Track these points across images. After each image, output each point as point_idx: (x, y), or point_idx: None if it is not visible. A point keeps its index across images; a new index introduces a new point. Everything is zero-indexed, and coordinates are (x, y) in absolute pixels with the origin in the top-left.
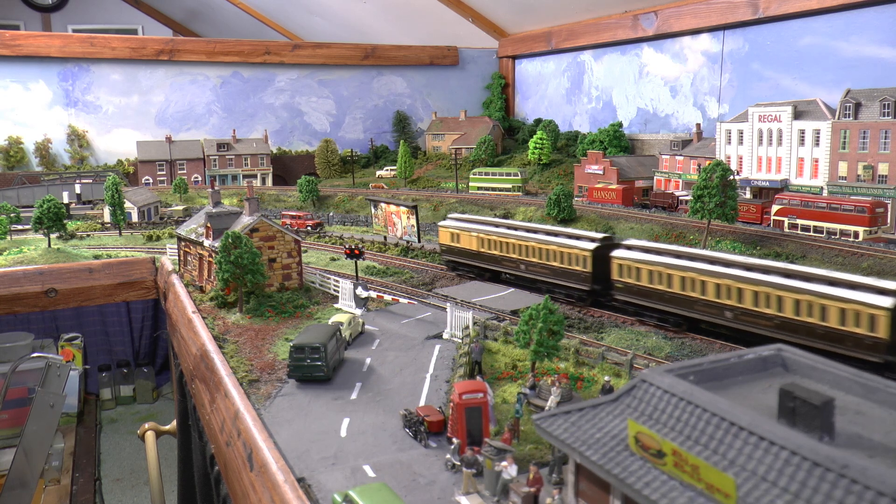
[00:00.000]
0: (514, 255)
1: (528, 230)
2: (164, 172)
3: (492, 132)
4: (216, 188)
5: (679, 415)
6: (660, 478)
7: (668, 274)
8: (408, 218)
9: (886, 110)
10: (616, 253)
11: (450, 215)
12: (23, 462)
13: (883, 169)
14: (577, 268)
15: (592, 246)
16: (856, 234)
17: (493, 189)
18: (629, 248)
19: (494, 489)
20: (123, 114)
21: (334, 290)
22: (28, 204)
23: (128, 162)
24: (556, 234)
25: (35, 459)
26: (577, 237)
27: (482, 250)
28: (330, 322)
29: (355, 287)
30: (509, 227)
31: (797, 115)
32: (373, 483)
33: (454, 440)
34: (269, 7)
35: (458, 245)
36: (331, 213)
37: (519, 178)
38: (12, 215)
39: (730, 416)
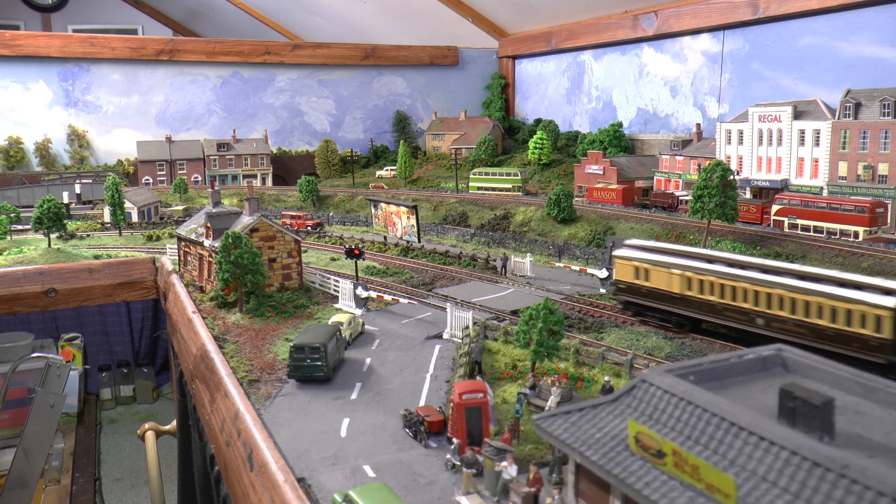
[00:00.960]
0: (744, 305)
1: (764, 269)
2: (164, 172)
3: (492, 132)
4: (216, 188)
5: (679, 415)
6: (660, 478)
7: None
8: (408, 218)
9: (886, 110)
10: None
11: (628, 242)
12: (23, 462)
13: (883, 169)
14: (865, 331)
15: (894, 302)
16: (856, 234)
17: (493, 189)
18: None
19: (494, 489)
20: (123, 114)
21: (334, 290)
22: (28, 204)
23: (128, 162)
24: (818, 279)
25: (35, 459)
26: (857, 285)
27: (688, 294)
28: (330, 322)
29: (355, 287)
30: (731, 265)
31: (797, 115)
32: (373, 483)
33: (454, 440)
34: (269, 7)
35: (646, 284)
36: (331, 213)
37: (519, 178)
38: (12, 215)
39: (730, 416)
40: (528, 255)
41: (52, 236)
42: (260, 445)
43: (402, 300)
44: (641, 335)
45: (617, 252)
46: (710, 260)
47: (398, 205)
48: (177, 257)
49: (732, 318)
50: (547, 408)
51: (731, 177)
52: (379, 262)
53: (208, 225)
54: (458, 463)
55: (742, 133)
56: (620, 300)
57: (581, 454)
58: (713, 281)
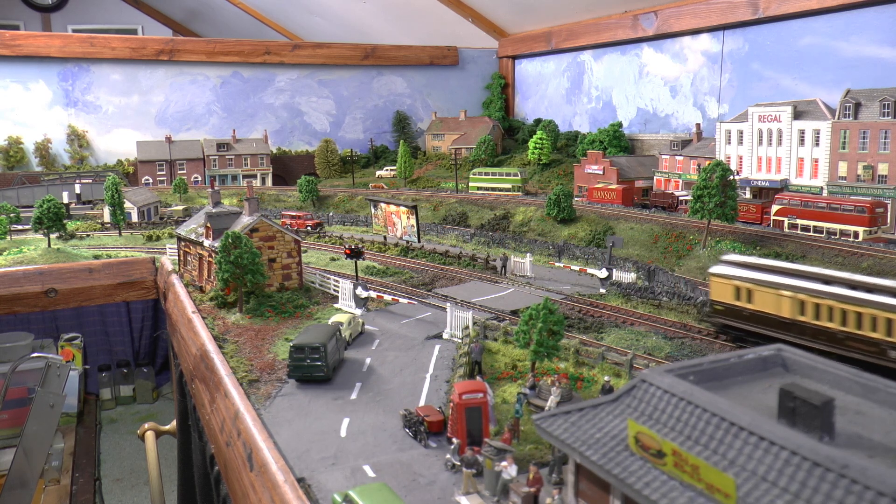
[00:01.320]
0: (873, 334)
1: None
2: (164, 172)
3: (492, 132)
4: (216, 188)
5: (679, 415)
6: (660, 478)
7: None
8: (408, 218)
9: (886, 110)
10: None
11: (725, 258)
12: (23, 462)
13: (883, 169)
14: None
15: None
16: (856, 234)
17: (493, 189)
18: None
19: (494, 489)
20: (123, 114)
21: (334, 290)
22: (28, 204)
23: (128, 162)
24: None
25: (35, 459)
26: None
27: (800, 319)
28: (330, 322)
29: (355, 287)
30: (854, 286)
31: (797, 115)
32: (373, 483)
33: (454, 440)
34: (269, 7)
35: (749, 306)
36: (331, 213)
37: (519, 178)
38: (12, 215)
39: (730, 416)
40: (528, 255)
41: (52, 236)
42: (260, 445)
43: (402, 300)
44: (641, 335)
45: (714, 269)
46: (827, 280)
47: (398, 205)
48: (177, 257)
49: (857, 349)
50: (547, 408)
51: (731, 177)
52: (379, 262)
53: (208, 225)
54: (458, 463)
55: (742, 133)
56: (716, 323)
57: (581, 454)
58: (832, 305)
